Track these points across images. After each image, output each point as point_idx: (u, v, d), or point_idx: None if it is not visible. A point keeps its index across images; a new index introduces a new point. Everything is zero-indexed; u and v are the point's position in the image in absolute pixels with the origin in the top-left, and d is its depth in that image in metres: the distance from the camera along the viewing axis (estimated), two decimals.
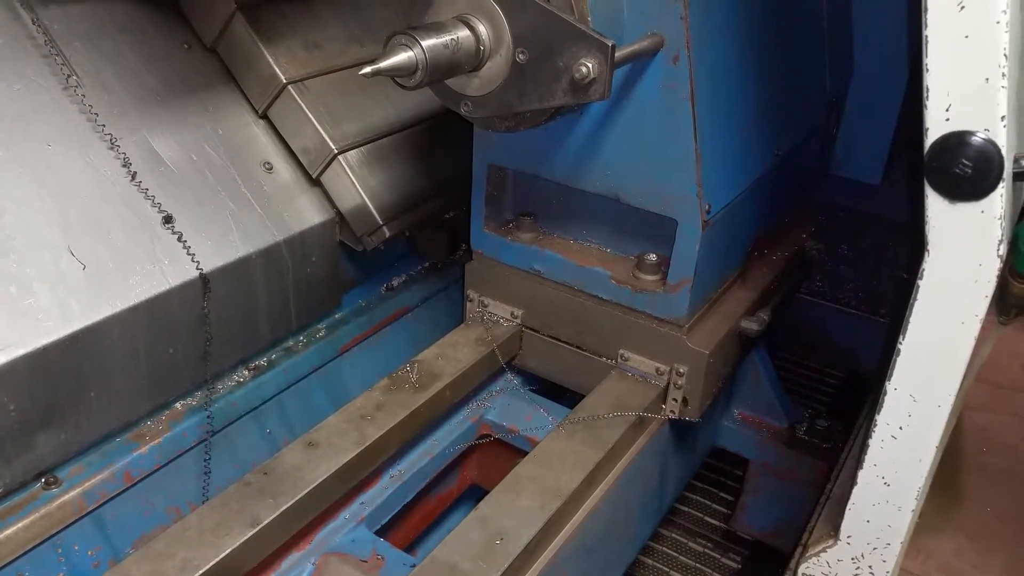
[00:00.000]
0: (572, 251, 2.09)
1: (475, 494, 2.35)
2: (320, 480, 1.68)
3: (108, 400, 1.71)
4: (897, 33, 2.58)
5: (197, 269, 1.81)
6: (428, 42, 1.48)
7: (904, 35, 2.57)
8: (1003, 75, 1.15)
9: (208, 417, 1.90)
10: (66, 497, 1.64)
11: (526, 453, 2.11)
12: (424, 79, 1.50)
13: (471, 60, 1.58)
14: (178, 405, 1.89)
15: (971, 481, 3.67)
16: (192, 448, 1.88)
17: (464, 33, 1.55)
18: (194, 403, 1.91)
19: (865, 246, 3.12)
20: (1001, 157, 1.18)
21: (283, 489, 1.65)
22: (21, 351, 1.51)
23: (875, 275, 3.13)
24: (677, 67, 1.70)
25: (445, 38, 1.51)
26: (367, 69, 1.43)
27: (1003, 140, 1.18)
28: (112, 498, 1.72)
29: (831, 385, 3.42)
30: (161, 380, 1.82)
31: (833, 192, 2.90)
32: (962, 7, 1.14)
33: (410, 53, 1.46)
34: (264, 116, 2.08)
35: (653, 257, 1.97)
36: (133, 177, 1.79)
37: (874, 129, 2.72)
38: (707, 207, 1.83)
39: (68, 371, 1.61)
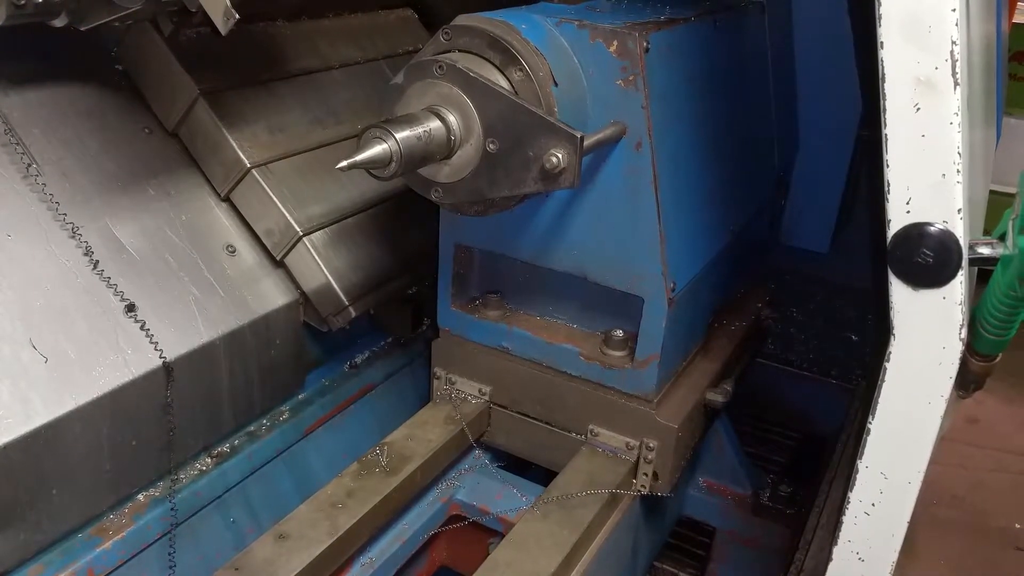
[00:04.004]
0: (539, 328, 2.11)
1: (444, 575, 2.31)
2: (293, 574, 1.64)
3: (70, 496, 1.66)
4: (840, 111, 2.71)
5: (160, 358, 1.78)
6: (402, 134, 1.51)
7: (847, 113, 2.70)
8: (958, 171, 1.22)
9: (172, 508, 1.84)
10: None
11: (496, 532, 2.10)
12: (399, 170, 1.52)
13: (442, 149, 1.61)
14: (141, 497, 1.84)
15: (924, 535, 3.76)
16: (156, 541, 1.82)
17: (436, 124, 1.59)
18: (157, 494, 1.86)
19: (814, 310, 3.21)
20: (960, 246, 1.24)
21: None
22: None
23: (825, 338, 3.22)
24: (640, 153, 1.76)
25: (418, 130, 1.54)
26: (343, 163, 1.45)
27: (960, 231, 1.24)
28: None
29: (786, 446, 3.47)
30: (124, 472, 1.77)
31: (783, 260, 2.99)
32: (918, 108, 1.20)
33: (384, 146, 1.49)
34: (226, 199, 2.07)
35: (620, 333, 2.00)
36: (95, 266, 1.76)
37: (821, 201, 2.83)
38: (672, 285, 1.88)
39: (29, 469, 1.56)
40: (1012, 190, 1.94)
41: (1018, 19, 4.58)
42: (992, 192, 2.13)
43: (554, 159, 1.54)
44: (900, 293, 1.30)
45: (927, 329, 1.30)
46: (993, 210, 1.79)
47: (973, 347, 1.36)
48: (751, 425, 3.45)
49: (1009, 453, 4.34)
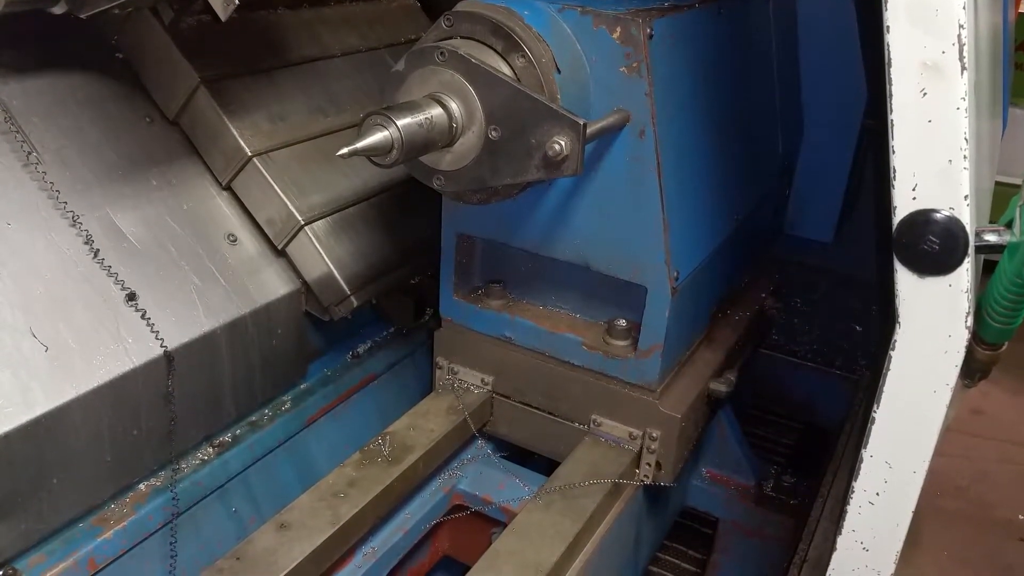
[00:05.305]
0: (542, 317, 2.10)
1: (447, 565, 2.31)
2: (295, 564, 1.64)
3: (71, 485, 1.65)
4: (845, 99, 2.70)
5: (161, 347, 1.77)
6: (403, 121, 1.50)
7: (852, 101, 2.68)
8: (965, 157, 1.20)
9: (173, 498, 1.84)
10: None
11: (499, 522, 2.10)
12: (400, 158, 1.51)
13: (444, 137, 1.60)
14: (142, 486, 1.83)
15: (928, 526, 3.75)
16: (157, 531, 1.82)
17: (437, 111, 1.57)
18: (158, 484, 1.85)
19: (818, 300, 3.20)
20: (966, 234, 1.23)
21: None
22: None
23: (829, 328, 3.20)
24: (643, 141, 1.75)
25: (420, 117, 1.53)
26: (344, 150, 1.43)
27: (967, 218, 1.23)
28: None
29: (790, 436, 3.46)
30: (125, 462, 1.76)
31: (787, 249, 2.98)
32: (924, 93, 1.19)
33: (386, 133, 1.48)
34: (228, 188, 2.06)
35: (623, 323, 1.99)
36: (96, 254, 1.75)
37: (825, 190, 2.82)
38: (675, 274, 1.87)
39: (30, 458, 1.55)
40: (1018, 181, 1.94)
41: None
42: (997, 183, 2.11)
43: (557, 146, 1.53)
44: (906, 280, 1.29)
45: (933, 317, 1.29)
46: (999, 201, 1.78)
47: (979, 335, 1.35)
48: (755, 415, 3.45)
49: (1014, 444, 4.33)
